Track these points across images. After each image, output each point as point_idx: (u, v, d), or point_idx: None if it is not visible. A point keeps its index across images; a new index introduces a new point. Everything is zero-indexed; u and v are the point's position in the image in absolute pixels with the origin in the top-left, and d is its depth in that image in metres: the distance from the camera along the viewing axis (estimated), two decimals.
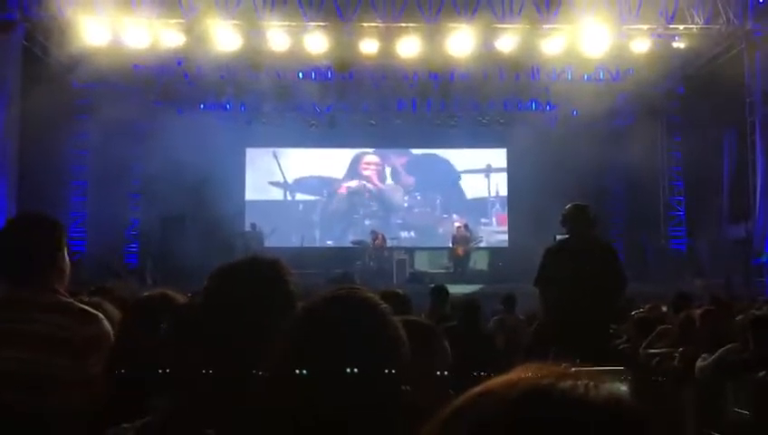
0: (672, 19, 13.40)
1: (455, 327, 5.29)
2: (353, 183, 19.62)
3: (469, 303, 6.18)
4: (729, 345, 4.82)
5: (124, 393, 2.00)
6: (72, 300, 2.50)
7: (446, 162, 19.70)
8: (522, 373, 0.71)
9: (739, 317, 5.38)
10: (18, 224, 2.59)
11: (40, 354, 2.31)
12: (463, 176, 19.77)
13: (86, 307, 2.49)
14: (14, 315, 2.37)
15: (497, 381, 0.71)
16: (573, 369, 0.74)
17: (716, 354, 4.80)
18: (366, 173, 19.67)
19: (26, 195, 12.87)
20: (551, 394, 0.68)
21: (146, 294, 2.53)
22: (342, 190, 19.58)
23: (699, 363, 4.95)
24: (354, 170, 19.67)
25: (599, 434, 0.65)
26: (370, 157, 19.69)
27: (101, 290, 5.71)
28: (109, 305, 3.11)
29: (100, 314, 2.46)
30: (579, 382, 0.69)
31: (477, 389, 0.72)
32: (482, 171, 19.81)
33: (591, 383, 0.70)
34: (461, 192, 19.74)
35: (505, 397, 0.68)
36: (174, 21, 13.24)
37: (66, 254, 2.54)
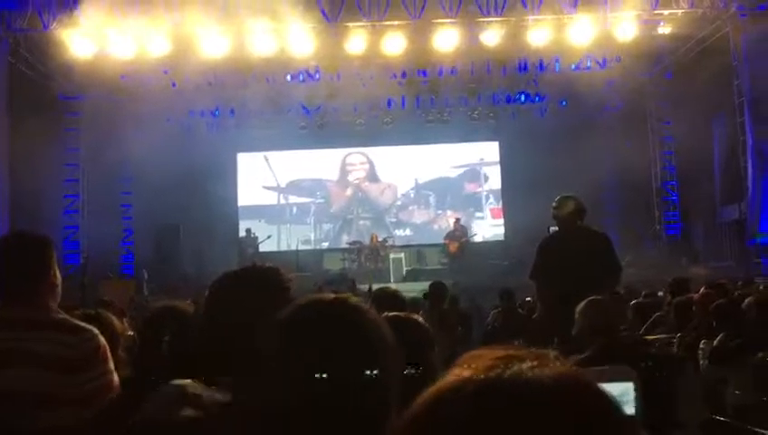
0: (657, 4, 13.42)
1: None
2: (345, 183, 19.62)
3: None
4: (723, 334, 4.83)
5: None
6: (65, 316, 2.49)
7: (438, 158, 19.70)
8: (468, 367, 0.71)
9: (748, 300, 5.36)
10: (9, 243, 2.58)
11: (35, 372, 2.30)
12: (456, 171, 19.78)
13: (80, 323, 2.48)
14: (7, 334, 2.36)
15: (446, 382, 0.71)
16: (517, 349, 0.74)
17: (715, 342, 4.82)
18: (357, 173, 19.67)
19: (18, 211, 12.83)
20: (500, 386, 0.68)
21: (156, 307, 2.54)
22: (335, 191, 19.58)
23: (702, 347, 4.97)
24: (345, 170, 19.66)
25: (555, 414, 0.66)
26: (361, 156, 19.68)
27: (101, 303, 5.73)
28: (109, 315, 3.12)
29: (95, 329, 2.45)
30: (524, 365, 0.69)
31: (428, 393, 0.71)
32: (475, 165, 19.83)
33: (536, 363, 0.70)
34: (454, 187, 19.75)
35: (457, 399, 0.68)
36: (159, 29, 13.18)
37: (58, 271, 2.53)
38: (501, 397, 0.67)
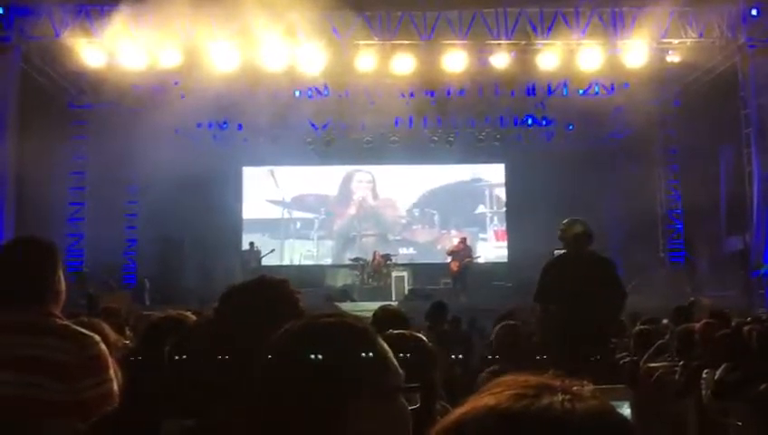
0: (666, 33, 13.47)
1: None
2: (350, 201, 19.62)
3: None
4: (726, 365, 4.80)
5: (137, 417, 1.99)
6: (67, 322, 2.48)
7: (444, 178, 19.71)
8: (496, 393, 0.67)
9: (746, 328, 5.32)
10: (14, 247, 2.58)
11: (35, 378, 2.29)
12: (461, 191, 19.77)
13: (82, 330, 2.46)
14: (9, 339, 2.35)
15: (470, 408, 0.67)
16: (553, 377, 0.70)
17: (718, 373, 4.78)
18: (362, 190, 19.68)
19: (24, 217, 12.84)
20: (525, 419, 0.63)
21: (159, 316, 2.52)
22: (339, 208, 19.58)
23: (704, 377, 4.93)
24: (350, 188, 19.67)
25: None
26: (366, 174, 19.70)
27: (106, 311, 5.71)
28: (100, 322, 3.09)
29: (97, 336, 2.44)
30: (554, 399, 0.65)
31: (449, 420, 0.67)
32: (480, 187, 19.83)
33: (567, 397, 0.65)
34: (459, 208, 19.74)
35: (479, 429, 0.64)
36: (171, 41, 13.26)
37: (62, 276, 2.53)
38: (524, 432, 0.63)
